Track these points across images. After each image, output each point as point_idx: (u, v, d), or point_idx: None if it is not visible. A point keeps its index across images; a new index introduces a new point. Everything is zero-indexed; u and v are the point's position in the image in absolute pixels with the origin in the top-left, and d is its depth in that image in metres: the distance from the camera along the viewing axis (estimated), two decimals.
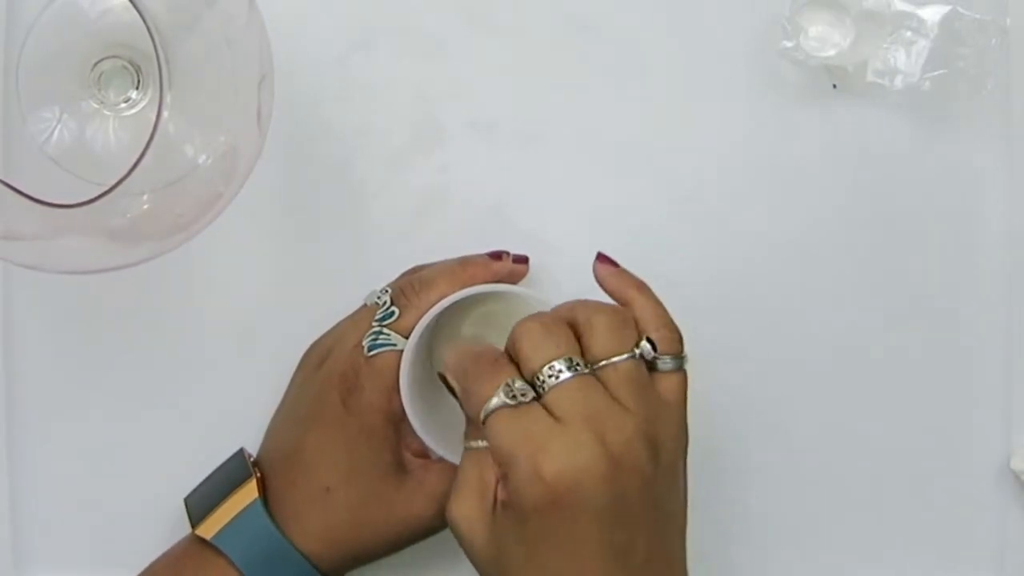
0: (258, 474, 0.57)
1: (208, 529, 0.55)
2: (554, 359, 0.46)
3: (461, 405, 0.50)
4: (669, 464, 0.48)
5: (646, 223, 0.63)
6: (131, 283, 0.60)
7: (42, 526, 0.62)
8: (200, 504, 0.58)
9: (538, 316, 0.48)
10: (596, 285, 0.62)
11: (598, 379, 0.47)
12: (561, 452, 0.44)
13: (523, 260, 0.60)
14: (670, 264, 0.62)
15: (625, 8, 0.63)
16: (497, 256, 0.58)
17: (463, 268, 0.57)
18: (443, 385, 0.52)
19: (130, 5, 0.46)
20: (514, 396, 0.46)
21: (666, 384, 0.49)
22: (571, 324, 0.48)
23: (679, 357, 0.50)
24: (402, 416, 0.55)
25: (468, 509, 0.48)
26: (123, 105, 0.57)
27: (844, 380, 0.63)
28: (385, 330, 0.55)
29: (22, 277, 0.61)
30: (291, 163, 0.62)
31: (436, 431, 0.55)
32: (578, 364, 0.46)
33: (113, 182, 0.45)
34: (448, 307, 0.54)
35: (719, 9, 0.63)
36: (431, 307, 0.54)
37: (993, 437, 0.63)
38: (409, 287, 0.56)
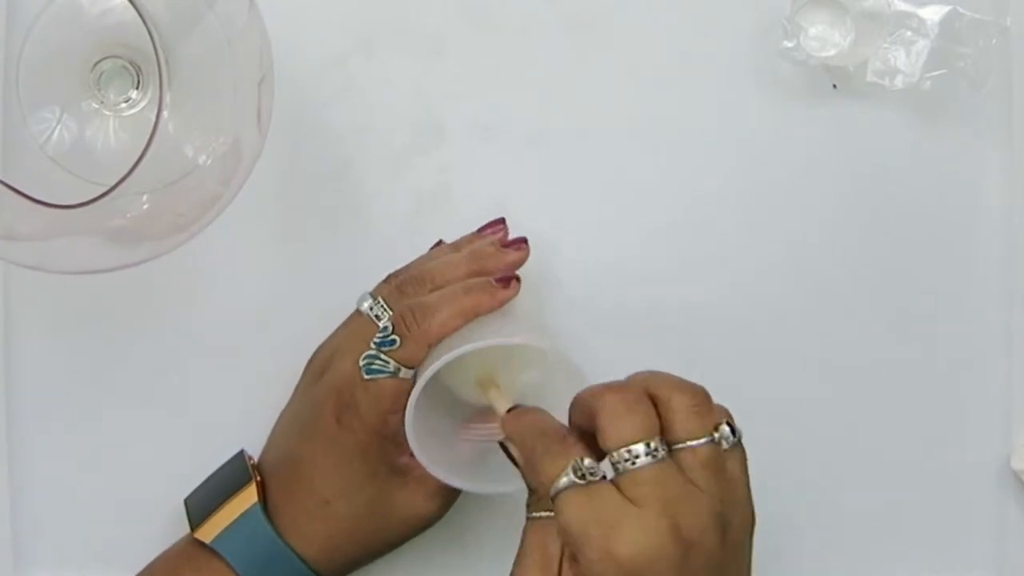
0: (258, 478, 0.57)
1: (207, 532, 0.55)
2: (634, 442, 0.44)
3: (523, 475, 0.48)
4: (737, 543, 0.47)
5: (646, 223, 0.63)
6: (131, 283, 0.60)
7: (42, 526, 0.62)
8: (200, 506, 0.57)
9: (619, 389, 0.46)
10: (596, 285, 0.62)
11: (675, 460, 0.45)
12: (636, 535, 0.43)
13: (515, 278, 0.57)
14: (670, 264, 0.62)
15: (625, 8, 0.62)
16: (505, 283, 0.56)
17: (467, 295, 0.55)
18: (441, 411, 0.54)
19: (130, 5, 0.46)
20: (584, 476, 0.44)
21: (732, 461, 0.48)
22: (650, 397, 0.47)
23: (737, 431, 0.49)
24: (396, 431, 0.54)
25: None
26: (123, 105, 0.57)
27: (844, 380, 0.63)
28: (383, 356, 0.54)
29: (22, 277, 0.61)
30: (291, 163, 0.62)
31: (439, 457, 0.54)
32: (657, 449, 0.45)
33: (113, 182, 0.45)
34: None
35: (719, 9, 0.63)
36: (431, 337, 0.54)
37: (993, 437, 0.63)
38: (410, 315, 0.55)
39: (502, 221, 0.60)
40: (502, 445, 0.50)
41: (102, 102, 0.56)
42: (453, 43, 0.62)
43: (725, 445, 0.47)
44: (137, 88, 0.57)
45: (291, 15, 0.61)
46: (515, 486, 0.53)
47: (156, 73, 0.46)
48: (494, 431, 0.56)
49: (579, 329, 0.62)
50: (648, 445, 0.44)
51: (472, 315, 0.55)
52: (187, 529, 0.57)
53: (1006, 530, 0.63)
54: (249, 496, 0.56)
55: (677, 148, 0.63)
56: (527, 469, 0.48)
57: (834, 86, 0.62)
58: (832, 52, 0.61)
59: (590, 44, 0.63)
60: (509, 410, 0.50)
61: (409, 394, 0.52)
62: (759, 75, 0.63)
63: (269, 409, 0.61)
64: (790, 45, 0.61)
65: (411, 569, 0.62)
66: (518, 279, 0.56)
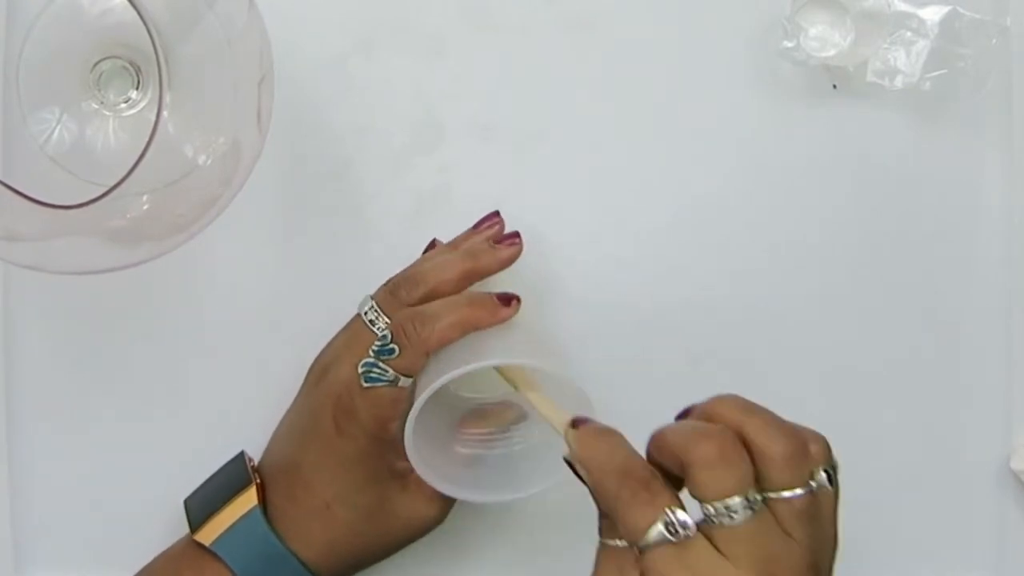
0: (258, 480, 0.57)
1: (207, 535, 0.55)
2: (731, 495, 0.42)
3: (595, 499, 0.46)
4: None
5: (646, 223, 0.63)
6: (131, 284, 0.60)
7: (42, 526, 0.62)
8: (200, 508, 0.57)
9: (712, 436, 0.44)
10: (596, 285, 0.62)
11: (770, 510, 0.44)
12: None
13: (515, 298, 0.56)
14: (670, 264, 0.62)
15: (625, 8, 0.62)
16: (507, 301, 0.55)
17: (468, 307, 0.55)
18: (439, 414, 0.54)
19: (130, 5, 0.46)
20: (676, 531, 0.42)
21: (826, 503, 0.47)
22: (743, 440, 0.44)
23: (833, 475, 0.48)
24: (395, 437, 0.54)
25: None
26: (123, 105, 0.57)
27: (843, 380, 0.63)
28: (382, 364, 0.54)
29: (22, 278, 0.61)
30: (291, 163, 0.62)
31: (438, 465, 0.54)
32: (754, 502, 0.43)
33: (113, 183, 0.45)
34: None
35: (719, 9, 0.63)
36: (431, 347, 0.53)
37: (993, 437, 0.63)
38: (410, 324, 0.54)
39: (497, 214, 0.60)
40: (569, 463, 0.47)
41: (102, 102, 0.56)
42: (453, 43, 0.62)
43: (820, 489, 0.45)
44: (137, 88, 0.57)
45: (291, 15, 0.61)
46: (513, 496, 0.54)
47: (156, 73, 0.46)
48: (491, 437, 0.56)
49: (579, 329, 0.62)
50: (747, 499, 0.42)
51: (471, 328, 0.54)
52: (187, 530, 0.57)
53: (1006, 530, 0.63)
54: (249, 499, 0.56)
55: (677, 148, 0.63)
56: (607, 505, 0.45)
57: (834, 86, 0.62)
58: (832, 52, 0.61)
59: (590, 44, 0.63)
60: (573, 423, 0.48)
61: (408, 402, 0.53)
62: (759, 75, 0.63)
63: (269, 409, 0.61)
64: (790, 45, 0.61)
65: (411, 572, 0.61)
66: (518, 300, 0.56)
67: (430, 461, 0.53)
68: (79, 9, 0.56)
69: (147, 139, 0.44)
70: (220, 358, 0.62)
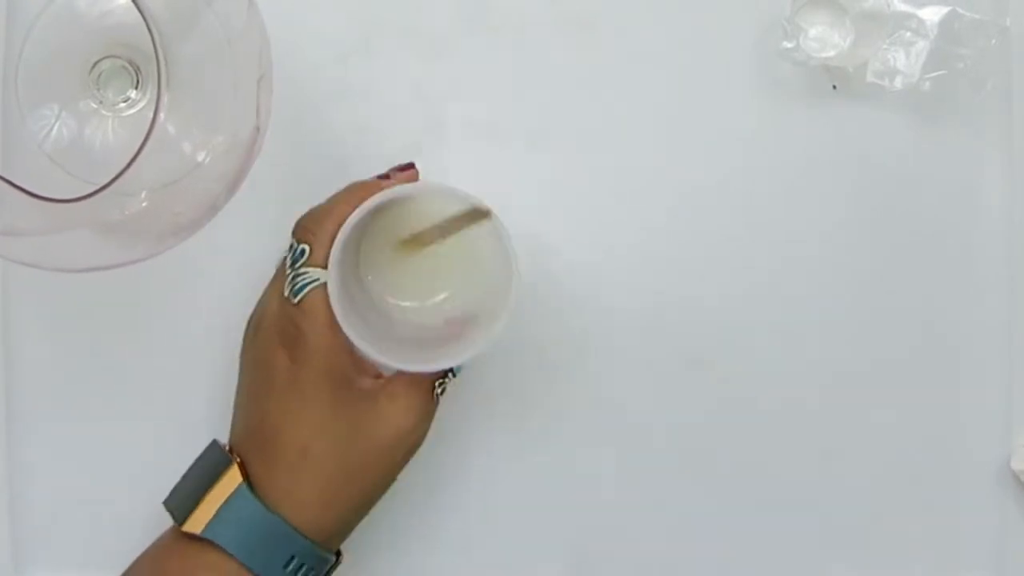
0: (238, 459, 0.55)
1: (196, 523, 0.54)
2: None
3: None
4: None
5: (646, 223, 0.63)
6: (130, 282, 0.60)
7: (42, 526, 0.62)
8: (182, 502, 0.56)
9: None
10: (596, 286, 0.62)
11: None
12: None
13: (409, 167, 0.59)
14: (670, 264, 0.62)
15: (625, 8, 0.63)
16: (385, 177, 0.58)
17: (358, 189, 0.56)
18: (377, 304, 0.56)
19: (130, 6, 0.46)
20: None
21: None
22: None
23: None
24: (351, 347, 0.53)
25: None
26: (122, 105, 0.57)
27: (843, 379, 0.63)
28: (301, 270, 0.54)
29: (21, 277, 0.61)
30: (291, 163, 0.62)
31: (382, 347, 0.54)
32: None
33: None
34: (358, 224, 0.53)
35: (719, 9, 0.63)
36: (335, 230, 0.53)
37: (993, 437, 0.63)
38: (310, 221, 0.55)
39: (411, 166, 0.59)
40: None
41: (101, 102, 0.56)
42: (453, 43, 0.62)
43: None
44: (136, 88, 0.57)
45: (291, 15, 0.61)
46: (447, 364, 0.54)
47: (155, 73, 0.47)
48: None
49: (579, 329, 0.62)
50: None
51: (360, 200, 0.54)
52: None
53: (1006, 530, 0.63)
54: (233, 478, 0.54)
55: (677, 148, 0.63)
56: None
57: (834, 87, 0.62)
58: (832, 53, 0.61)
59: (590, 44, 0.63)
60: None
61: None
62: (759, 75, 0.63)
63: None
64: (790, 46, 0.61)
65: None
66: (400, 167, 0.58)
67: (359, 330, 0.53)
68: (79, 9, 0.56)
69: (144, 136, 0.45)
70: (219, 357, 0.62)
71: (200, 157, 0.52)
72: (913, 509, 0.63)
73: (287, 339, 0.54)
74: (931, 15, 0.61)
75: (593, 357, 0.63)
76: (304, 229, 0.55)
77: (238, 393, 0.58)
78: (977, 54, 0.60)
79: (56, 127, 0.56)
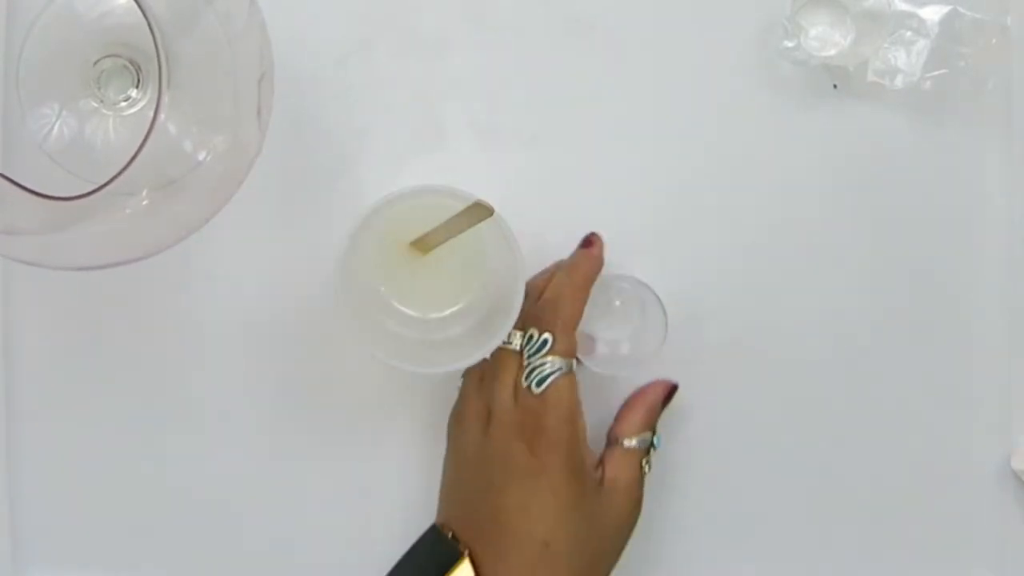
0: (466, 550, 0.53)
1: None
2: None
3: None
4: None
5: (646, 223, 0.63)
6: (130, 281, 0.60)
7: (42, 526, 0.62)
8: None
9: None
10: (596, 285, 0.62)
11: None
12: None
13: (592, 234, 0.60)
14: (670, 262, 0.62)
15: (625, 8, 0.63)
16: (589, 243, 0.59)
17: (576, 272, 0.57)
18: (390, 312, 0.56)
19: (130, 5, 0.46)
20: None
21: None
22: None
23: None
24: (585, 436, 0.54)
25: None
26: (123, 104, 0.57)
27: (844, 380, 0.63)
28: (543, 360, 0.54)
29: (21, 275, 0.61)
30: (291, 163, 0.62)
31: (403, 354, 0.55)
32: None
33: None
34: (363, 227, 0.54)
35: (719, 10, 0.63)
36: (575, 321, 0.55)
37: (993, 437, 0.63)
38: (544, 312, 0.55)
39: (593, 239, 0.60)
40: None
41: (101, 101, 0.56)
42: (453, 43, 0.62)
43: None
44: (137, 87, 0.57)
45: (291, 14, 0.61)
46: (457, 367, 0.55)
47: (156, 72, 0.46)
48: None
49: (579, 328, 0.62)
50: None
51: (591, 283, 0.57)
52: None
53: (1006, 530, 0.63)
54: (464, 572, 0.53)
55: (676, 148, 0.63)
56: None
57: (834, 86, 0.62)
58: (832, 52, 0.61)
59: (590, 44, 0.63)
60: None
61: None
62: (759, 75, 0.63)
63: (269, 407, 0.61)
64: (790, 45, 0.61)
65: None
66: (595, 234, 0.59)
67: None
68: (79, 9, 0.56)
69: (144, 135, 0.45)
70: (219, 356, 0.62)
71: (200, 157, 0.52)
72: (913, 509, 0.63)
73: (528, 433, 0.54)
74: (932, 14, 0.61)
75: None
76: (541, 320, 0.55)
77: (454, 478, 0.57)
78: (978, 53, 0.60)
79: (57, 126, 0.56)
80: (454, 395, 0.59)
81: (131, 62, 0.57)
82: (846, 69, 0.62)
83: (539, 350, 0.54)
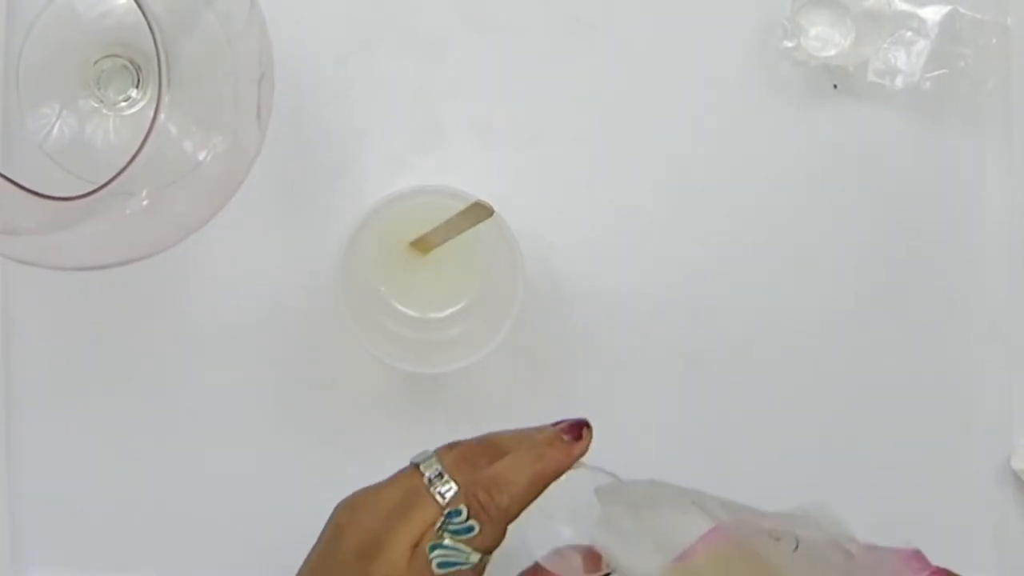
0: None
1: None
2: None
3: None
4: None
5: (646, 223, 0.63)
6: (130, 281, 0.60)
7: (41, 526, 0.62)
8: None
9: None
10: (596, 284, 0.62)
11: None
12: None
13: (585, 425, 0.52)
14: (670, 262, 0.62)
15: (625, 8, 0.63)
16: (577, 434, 0.51)
17: (542, 461, 0.49)
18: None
19: (130, 5, 0.46)
20: None
21: None
22: None
23: None
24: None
25: None
26: (123, 104, 0.57)
27: (844, 380, 0.63)
28: (462, 546, 0.47)
29: (21, 275, 0.61)
30: (291, 163, 0.62)
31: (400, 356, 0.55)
32: None
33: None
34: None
35: (719, 9, 0.63)
36: (512, 517, 0.48)
37: (993, 437, 0.63)
38: (484, 494, 0.48)
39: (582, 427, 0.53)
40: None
41: (101, 101, 0.56)
42: (453, 43, 0.62)
43: None
44: (137, 87, 0.57)
45: (291, 14, 0.61)
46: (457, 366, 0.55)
47: (156, 72, 0.46)
48: None
49: (579, 328, 0.62)
50: None
51: (551, 482, 0.49)
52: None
53: (1006, 530, 0.63)
54: None
55: (677, 148, 0.63)
56: None
57: (834, 86, 0.62)
58: (832, 52, 0.62)
59: (590, 44, 0.63)
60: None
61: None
62: (759, 75, 0.63)
63: (268, 407, 0.61)
64: (790, 45, 0.61)
65: None
66: (589, 427, 0.51)
67: None
68: (79, 9, 0.56)
69: (144, 135, 0.45)
70: (218, 357, 0.62)
71: (200, 156, 0.52)
72: (914, 509, 0.63)
73: None
74: (932, 14, 0.61)
75: (592, 356, 0.63)
76: (478, 503, 0.48)
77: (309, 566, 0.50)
78: (978, 53, 0.60)
79: (57, 126, 0.56)
80: (454, 395, 0.59)
81: (131, 62, 0.57)
82: (846, 69, 0.62)
83: (459, 533, 0.47)
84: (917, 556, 0.49)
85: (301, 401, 0.62)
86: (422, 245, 0.56)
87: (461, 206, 0.52)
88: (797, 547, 0.48)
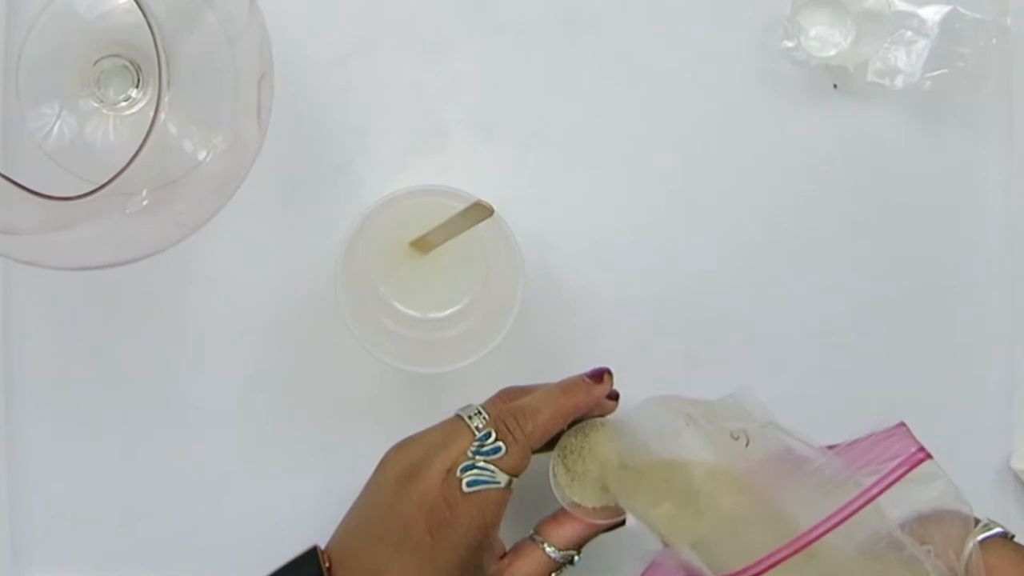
0: None
1: None
2: None
3: None
4: None
5: (646, 222, 0.63)
6: (130, 280, 0.60)
7: (41, 526, 0.62)
8: None
9: None
10: (596, 284, 0.62)
11: None
12: None
13: (615, 397, 0.57)
14: (670, 263, 0.62)
15: (625, 8, 0.63)
16: (599, 377, 0.56)
17: (565, 395, 0.55)
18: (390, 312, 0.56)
19: (130, 5, 0.46)
20: None
21: None
22: None
23: None
24: (493, 542, 0.53)
25: None
26: (123, 104, 0.57)
27: (844, 379, 0.63)
28: (490, 466, 0.52)
29: (21, 275, 0.61)
30: (291, 163, 0.62)
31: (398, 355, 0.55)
32: None
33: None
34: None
35: (719, 9, 0.63)
36: (536, 442, 0.53)
37: (993, 437, 0.63)
38: (512, 420, 0.53)
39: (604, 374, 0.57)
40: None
41: (101, 100, 0.56)
42: (453, 43, 0.62)
43: None
44: (137, 87, 0.57)
45: (292, 14, 0.61)
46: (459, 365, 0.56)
47: (156, 72, 0.46)
48: None
49: (580, 328, 0.62)
50: None
51: (572, 415, 0.55)
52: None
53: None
54: None
55: (677, 148, 0.63)
56: None
57: (834, 86, 0.62)
58: (833, 52, 0.62)
59: (590, 44, 0.63)
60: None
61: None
62: (759, 75, 0.63)
63: (268, 408, 0.61)
64: (790, 45, 0.61)
65: None
66: (610, 373, 0.56)
67: None
68: (79, 9, 0.56)
69: (145, 135, 0.45)
70: (218, 357, 0.62)
71: (200, 156, 0.52)
72: None
73: (438, 520, 0.52)
74: (932, 14, 0.61)
75: (594, 353, 0.62)
76: (504, 426, 0.53)
77: (359, 514, 0.55)
78: (978, 53, 0.60)
79: (57, 126, 0.56)
80: (454, 395, 0.60)
81: (131, 62, 0.57)
82: (846, 69, 0.62)
83: (488, 454, 0.52)
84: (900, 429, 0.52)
85: (301, 401, 0.62)
86: (422, 245, 0.56)
87: (461, 206, 0.52)
88: (748, 443, 0.53)
